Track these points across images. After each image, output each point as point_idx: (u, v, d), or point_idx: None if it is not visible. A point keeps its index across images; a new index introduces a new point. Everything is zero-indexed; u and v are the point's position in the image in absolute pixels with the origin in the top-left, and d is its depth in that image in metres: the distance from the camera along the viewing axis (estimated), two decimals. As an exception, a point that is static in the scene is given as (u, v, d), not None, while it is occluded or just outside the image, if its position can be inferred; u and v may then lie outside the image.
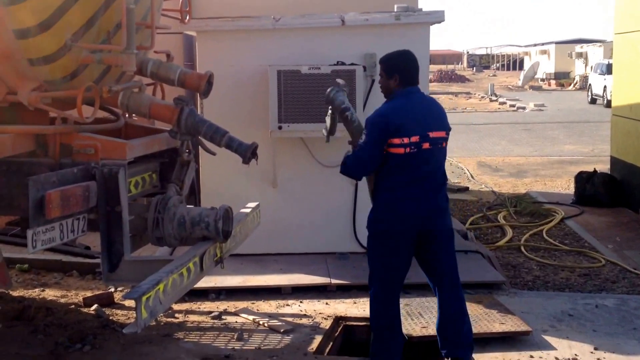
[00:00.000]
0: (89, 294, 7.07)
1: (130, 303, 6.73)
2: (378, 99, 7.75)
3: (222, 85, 7.02)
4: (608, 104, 31.56)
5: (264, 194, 7.75)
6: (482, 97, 39.12)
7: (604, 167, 13.32)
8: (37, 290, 7.32)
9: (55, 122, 5.15)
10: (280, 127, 7.34)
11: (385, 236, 5.18)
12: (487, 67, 65.87)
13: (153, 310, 4.39)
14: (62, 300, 6.99)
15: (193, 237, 5.33)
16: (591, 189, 12.05)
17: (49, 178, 4.58)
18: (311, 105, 7.32)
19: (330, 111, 5.66)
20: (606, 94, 32.39)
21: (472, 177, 15.47)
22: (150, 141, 5.55)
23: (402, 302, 6.42)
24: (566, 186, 14.10)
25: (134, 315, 6.43)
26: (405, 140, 5.02)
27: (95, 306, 6.68)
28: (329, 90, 5.57)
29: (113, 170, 4.94)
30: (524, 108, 33.07)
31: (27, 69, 4.86)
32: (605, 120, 26.00)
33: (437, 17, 7.81)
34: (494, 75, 54.86)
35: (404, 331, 5.82)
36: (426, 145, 5.09)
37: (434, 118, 5.23)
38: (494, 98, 38.27)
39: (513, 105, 34.17)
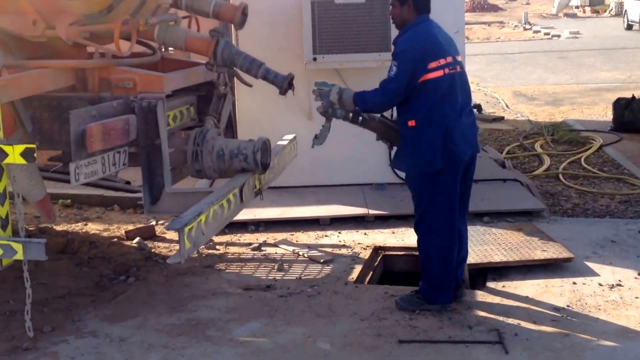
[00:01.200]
0: (130, 227, 7.18)
1: (171, 235, 6.85)
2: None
3: (255, 18, 6.93)
4: (645, 30, 30.95)
5: (300, 126, 7.72)
6: (516, 26, 38.30)
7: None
8: (79, 224, 7.44)
9: (93, 57, 5.14)
10: (315, 59, 7.29)
11: (441, 174, 5.10)
12: (521, -5, 64.52)
13: (196, 241, 4.44)
14: (105, 234, 7.10)
15: (232, 169, 5.37)
16: (630, 115, 11.85)
17: (89, 112, 4.61)
18: (345, 35, 7.26)
19: (326, 122, 5.44)
20: (643, 19, 31.67)
21: (507, 106, 15.29)
22: (187, 74, 5.54)
23: (441, 231, 6.48)
24: (603, 113, 13.90)
25: (176, 247, 6.55)
26: (442, 61, 4.98)
27: (137, 239, 6.77)
28: (329, 111, 5.34)
29: (151, 103, 4.96)
30: (558, 36, 32.39)
31: (64, 3, 4.86)
32: (642, 46, 25.65)
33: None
34: (528, 4, 53.58)
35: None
36: (458, 68, 5.10)
37: (451, 43, 5.20)
38: (527, 27, 37.46)
39: (547, 34, 33.44)
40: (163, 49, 5.88)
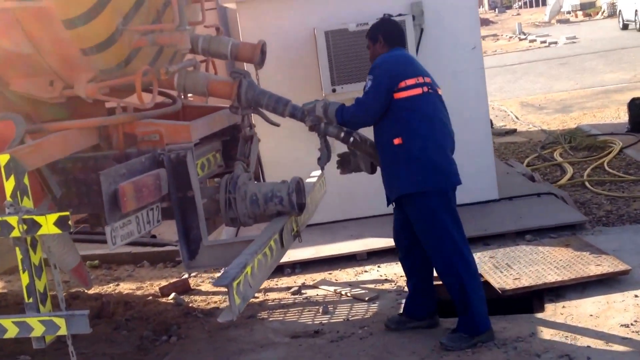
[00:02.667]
0: (163, 283, 6.96)
1: (207, 287, 6.64)
2: (428, 49, 7.54)
3: (269, 54, 6.77)
4: (642, 28, 30.85)
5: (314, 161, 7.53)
6: (511, 37, 38.25)
7: (652, 91, 12.96)
8: (111, 285, 7.22)
9: (115, 112, 4.94)
10: (334, 90, 7.11)
11: (443, 191, 4.99)
12: (509, 7, 64.55)
13: (245, 295, 4.21)
14: (139, 293, 6.87)
15: (267, 213, 5.15)
16: (646, 115, 11.67)
17: (119, 170, 4.39)
18: (363, 63, 7.03)
19: (321, 140, 5.26)
20: (638, 18, 31.56)
21: (517, 118, 15.11)
22: (212, 120, 5.34)
23: (487, 254, 6.27)
24: (616, 115, 13.72)
25: (214, 299, 6.37)
26: (420, 79, 4.95)
27: (172, 295, 6.55)
28: (321, 127, 5.17)
29: (180, 154, 4.76)
30: (555, 43, 32.28)
31: (80, 60, 4.65)
32: (642, 44, 25.49)
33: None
34: (518, 14, 53.75)
35: (496, 285, 5.62)
36: (439, 91, 5.09)
37: (426, 71, 5.15)
38: (522, 37, 37.40)
39: (544, 41, 33.33)
40: (182, 97, 5.68)
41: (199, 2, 5.22)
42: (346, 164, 5.58)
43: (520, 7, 62.63)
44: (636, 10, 31.59)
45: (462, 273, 4.99)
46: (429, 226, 4.99)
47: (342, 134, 5.14)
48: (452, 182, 5.03)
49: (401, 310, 5.54)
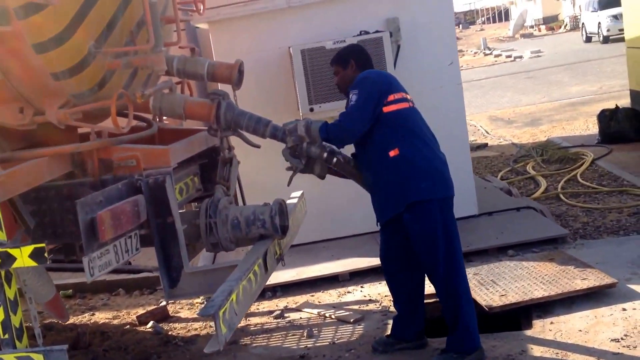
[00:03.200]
0: (140, 311, 6.76)
1: (186, 314, 6.49)
2: (405, 65, 7.47)
3: (245, 74, 6.68)
4: (605, 40, 31.27)
5: (300, 180, 7.38)
6: (476, 52, 38.61)
7: (615, 103, 12.99)
8: (86, 315, 6.99)
9: (89, 138, 4.77)
10: (312, 109, 6.98)
11: (445, 201, 4.88)
12: (473, 23, 65.22)
13: (231, 324, 4.06)
14: (115, 322, 6.67)
15: (249, 237, 5.01)
16: (616, 126, 11.76)
17: (95, 198, 4.21)
18: (341, 81, 6.96)
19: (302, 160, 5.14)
20: (601, 31, 31.98)
21: (487, 132, 15.16)
22: (190, 143, 5.19)
23: (470, 271, 6.19)
24: (585, 127, 13.81)
25: (195, 326, 6.20)
26: (405, 95, 4.89)
27: (151, 323, 6.36)
28: (303, 147, 5.03)
29: (159, 179, 4.59)
30: (521, 57, 32.63)
31: (52, 85, 4.47)
32: (605, 57, 25.73)
33: (456, -29, 7.45)
34: (482, 30, 54.32)
35: (482, 303, 5.52)
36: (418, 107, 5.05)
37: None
38: (488, 52, 37.78)
39: (509, 56, 33.69)
40: (158, 120, 5.53)
41: (172, 23, 5.08)
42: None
43: (483, 23, 63.25)
44: (599, 23, 32.05)
45: (461, 293, 4.88)
46: (433, 238, 4.82)
47: (325, 154, 5.02)
48: (453, 191, 4.96)
49: (388, 332, 5.42)
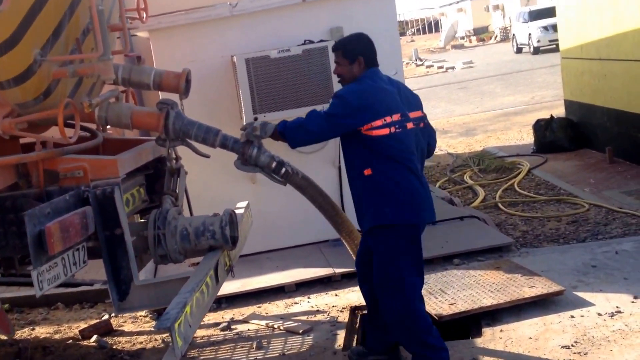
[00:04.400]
0: (82, 325, 6.59)
1: (130, 327, 6.36)
2: (349, 75, 7.45)
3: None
4: (535, 51, 31.95)
5: (244, 191, 7.36)
6: (407, 63, 38.93)
7: (548, 112, 13.30)
8: (26, 329, 6.75)
9: (31, 149, 4.63)
10: (256, 119, 6.90)
11: (409, 227, 4.68)
12: (403, 34, 65.70)
13: (186, 336, 3.99)
14: (57, 336, 6.47)
15: (198, 248, 4.94)
16: (551, 135, 12.00)
17: (43, 210, 4.10)
18: (286, 90, 6.94)
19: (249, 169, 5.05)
20: (532, 42, 32.68)
21: (423, 142, 15.23)
22: (138, 153, 5.08)
23: (418, 281, 6.17)
24: (519, 137, 14.04)
25: (140, 339, 6.08)
26: (388, 119, 4.58)
27: (94, 337, 6.19)
28: (253, 152, 4.94)
29: (107, 190, 4.51)
30: (453, 68, 33.10)
31: (-5, 94, 4.35)
32: (536, 67, 26.27)
33: (399, -19, 7.48)
34: (412, 41, 54.84)
35: (432, 312, 5.53)
36: (410, 125, 4.69)
37: (408, 96, 4.84)
38: (419, 62, 38.21)
39: (441, 67, 34.12)
40: (101, 129, 5.41)
41: (118, 30, 4.98)
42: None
43: (413, 34, 63.89)
44: (529, 34, 32.72)
45: (415, 313, 4.72)
46: (387, 265, 4.72)
47: (274, 164, 4.96)
48: (422, 217, 4.73)
49: (338, 342, 5.40)
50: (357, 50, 4.79)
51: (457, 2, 54.83)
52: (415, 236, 4.71)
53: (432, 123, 12.37)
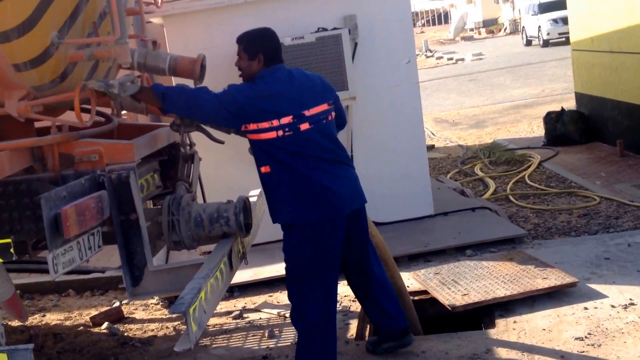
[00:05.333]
0: (93, 312, 6.59)
1: (142, 314, 6.34)
2: (362, 63, 7.44)
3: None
4: (545, 44, 31.81)
5: (257, 178, 7.27)
6: (417, 54, 38.80)
7: (558, 105, 13.23)
8: (37, 316, 6.77)
9: (49, 132, 4.60)
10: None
11: (311, 228, 4.58)
12: (413, 25, 65.59)
13: (201, 322, 3.97)
14: (67, 323, 6.48)
15: (212, 235, 4.92)
16: (561, 128, 11.93)
17: (59, 193, 4.07)
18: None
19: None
20: (541, 34, 32.52)
21: (433, 134, 15.25)
22: (153, 138, 5.05)
23: (431, 270, 6.18)
24: (529, 130, 13.99)
25: (151, 327, 6.07)
26: (275, 122, 4.48)
27: (105, 324, 6.20)
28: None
29: (122, 175, 4.47)
30: (462, 59, 32.97)
31: (13, 76, 4.30)
32: (546, 60, 26.17)
33: (414, -31, 7.44)
34: (422, 32, 54.59)
35: (445, 302, 5.52)
36: (305, 126, 4.55)
37: (310, 92, 4.67)
38: (429, 54, 38.09)
39: (451, 58, 34.01)
40: (116, 114, 5.38)
41: (135, 14, 4.96)
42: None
43: (423, 25, 63.69)
44: (539, 27, 32.57)
45: (305, 323, 4.70)
46: (288, 262, 4.75)
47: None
48: (330, 213, 4.58)
49: (351, 332, 5.39)
50: (257, 47, 4.73)
51: (467, -6, 54.72)
52: (322, 235, 4.59)
53: (443, 115, 12.21)
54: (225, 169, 7.36)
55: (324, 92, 4.76)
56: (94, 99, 4.54)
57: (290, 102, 4.56)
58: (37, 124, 4.94)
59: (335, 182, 4.60)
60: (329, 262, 4.68)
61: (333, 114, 4.77)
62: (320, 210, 4.55)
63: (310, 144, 4.57)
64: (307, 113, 4.58)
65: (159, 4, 5.79)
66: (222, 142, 5.28)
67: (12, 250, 3.64)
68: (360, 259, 4.95)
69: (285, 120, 4.51)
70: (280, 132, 4.50)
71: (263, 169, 4.63)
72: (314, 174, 4.53)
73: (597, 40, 11.21)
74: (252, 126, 4.52)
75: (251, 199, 5.65)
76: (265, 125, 4.50)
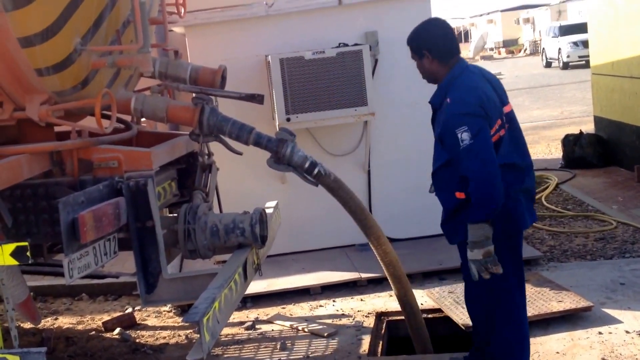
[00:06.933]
0: (105, 317, 6.60)
1: (154, 322, 6.36)
2: (381, 80, 7.44)
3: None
4: (564, 66, 31.76)
5: (273, 191, 7.35)
6: (436, 71, 38.95)
7: (576, 128, 13.16)
8: (49, 319, 6.79)
9: (69, 138, 4.63)
10: (288, 119, 6.91)
11: (497, 238, 4.20)
12: (433, 43, 65.78)
13: (214, 332, 3.96)
14: (80, 327, 6.49)
15: (227, 245, 4.92)
16: (579, 151, 11.86)
17: (77, 198, 4.09)
18: (319, 92, 6.94)
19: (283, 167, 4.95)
20: (561, 56, 32.50)
21: (451, 152, 15.18)
22: (172, 147, 5.08)
23: (446, 289, 6.15)
24: (547, 151, 13.91)
25: (163, 334, 6.07)
26: (499, 122, 4.19)
27: (117, 330, 6.21)
28: (287, 151, 4.84)
29: (140, 182, 4.49)
30: (481, 78, 33.00)
31: (35, 81, 4.35)
32: (565, 82, 26.10)
33: (437, -13, 7.45)
34: (442, 49, 54.80)
35: (459, 321, 5.49)
36: (506, 126, 4.27)
37: (499, 89, 4.37)
38: (448, 71, 38.12)
39: (469, 77, 34.03)
40: (136, 122, 5.41)
41: (158, 24, 4.99)
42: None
43: (443, 43, 63.73)
44: (559, 49, 32.54)
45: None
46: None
47: (307, 164, 4.91)
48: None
49: (363, 347, 5.34)
50: (420, 44, 4.40)
51: (488, 14, 54.76)
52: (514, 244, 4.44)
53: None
54: (243, 180, 7.38)
55: (505, 92, 4.46)
56: (115, 106, 4.56)
57: (494, 100, 4.24)
58: (56, 129, 4.97)
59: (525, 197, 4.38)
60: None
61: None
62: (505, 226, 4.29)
63: (512, 145, 4.29)
64: (505, 110, 4.30)
65: (182, 14, 5.81)
66: (240, 153, 5.29)
67: (28, 253, 3.64)
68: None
69: (499, 122, 4.23)
70: (498, 134, 4.20)
71: (458, 195, 4.28)
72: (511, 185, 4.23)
73: (618, 65, 11.17)
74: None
75: (267, 211, 5.66)
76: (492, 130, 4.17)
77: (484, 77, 4.35)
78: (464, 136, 4.03)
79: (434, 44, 4.32)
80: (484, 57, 46.48)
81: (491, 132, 4.13)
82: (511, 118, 4.34)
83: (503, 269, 4.19)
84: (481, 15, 57.94)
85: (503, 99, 4.35)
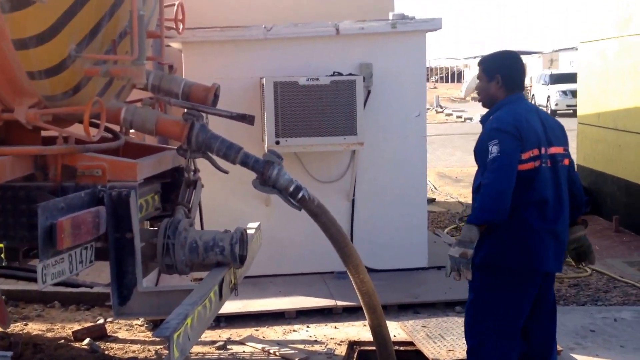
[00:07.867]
0: (76, 326, 6.54)
1: (124, 334, 6.31)
2: (373, 112, 7.49)
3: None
4: (552, 114, 31.93)
5: (257, 212, 7.35)
6: (428, 108, 39.06)
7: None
8: (19, 324, 6.72)
9: (56, 142, 4.61)
10: (278, 142, 6.92)
11: (511, 273, 4.40)
12: (427, 80, 66.16)
13: (183, 348, 3.92)
14: (49, 335, 6.43)
15: (205, 263, 4.89)
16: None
17: (57, 204, 4.07)
18: (309, 118, 6.98)
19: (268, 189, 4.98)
20: (550, 104, 32.79)
21: (435, 188, 15.25)
22: (158, 160, 5.07)
23: (419, 323, 6.14)
24: (531, 195, 13.95)
25: (133, 348, 6.02)
26: (535, 152, 4.29)
27: (87, 340, 6.15)
28: (272, 174, 4.88)
29: (123, 193, 4.47)
30: (471, 119, 33.18)
31: (26, 83, 4.34)
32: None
33: (434, 24, 7.55)
34: (435, 88, 55.11)
35: (430, 356, 5.48)
36: (548, 163, 4.37)
37: (552, 129, 4.47)
38: (439, 110, 38.34)
39: (460, 117, 34.26)
40: (124, 132, 5.40)
41: (155, 37, 5.00)
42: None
43: (436, 81, 64.21)
44: (548, 97, 32.86)
45: None
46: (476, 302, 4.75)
47: (292, 188, 4.93)
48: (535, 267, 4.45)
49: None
50: (496, 67, 4.55)
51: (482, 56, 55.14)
52: (516, 282, 4.48)
53: (446, 171, 12.19)
54: (227, 199, 7.38)
55: (563, 135, 4.56)
56: (104, 115, 4.55)
57: (538, 133, 4.35)
58: (44, 134, 4.96)
59: (552, 236, 4.43)
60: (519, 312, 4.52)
61: (567, 160, 4.53)
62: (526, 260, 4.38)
63: (548, 181, 4.39)
64: (550, 150, 4.39)
65: (180, 30, 5.85)
66: (226, 172, 5.29)
67: (2, 255, 3.62)
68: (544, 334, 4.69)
69: (536, 152, 4.32)
70: (538, 163, 4.31)
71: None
72: (539, 220, 4.35)
73: (604, 117, 11.31)
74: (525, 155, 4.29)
75: (249, 232, 5.64)
76: (525, 155, 4.29)
77: (535, 112, 4.54)
78: (494, 149, 4.25)
79: (508, 72, 4.53)
80: (474, 98, 46.62)
81: (523, 156, 4.26)
82: (557, 161, 4.40)
83: (498, 306, 4.39)
84: (475, 57, 58.36)
85: (550, 138, 4.42)
